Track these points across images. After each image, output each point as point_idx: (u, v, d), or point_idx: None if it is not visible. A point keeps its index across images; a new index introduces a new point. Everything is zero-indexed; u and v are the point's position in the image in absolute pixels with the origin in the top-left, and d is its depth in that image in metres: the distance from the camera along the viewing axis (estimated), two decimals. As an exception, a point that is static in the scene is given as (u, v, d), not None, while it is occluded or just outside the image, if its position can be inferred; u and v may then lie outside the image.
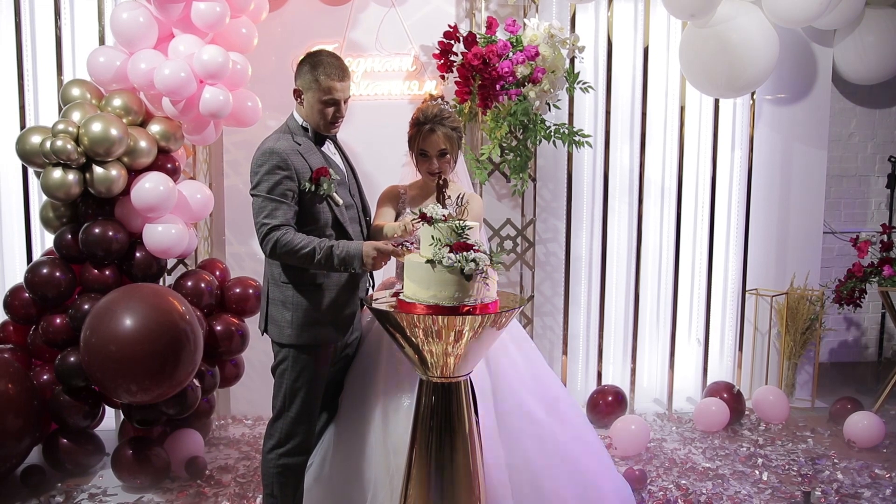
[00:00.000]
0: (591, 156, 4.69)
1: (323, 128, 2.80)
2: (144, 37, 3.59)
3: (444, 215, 2.35)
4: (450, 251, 2.28)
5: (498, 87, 4.11)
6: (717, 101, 4.70)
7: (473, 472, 2.56)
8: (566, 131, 4.30)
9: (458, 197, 2.47)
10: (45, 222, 3.78)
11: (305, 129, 2.83)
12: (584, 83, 4.33)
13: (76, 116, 3.52)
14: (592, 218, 4.76)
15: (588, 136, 4.30)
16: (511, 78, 4.11)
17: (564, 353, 4.71)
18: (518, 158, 4.31)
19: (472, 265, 2.25)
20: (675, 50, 4.66)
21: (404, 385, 2.90)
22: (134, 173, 3.65)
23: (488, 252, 2.33)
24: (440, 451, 2.51)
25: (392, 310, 2.42)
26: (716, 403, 4.45)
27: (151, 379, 3.22)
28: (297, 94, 2.79)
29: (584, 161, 4.71)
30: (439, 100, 3.06)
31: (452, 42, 4.16)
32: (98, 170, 3.50)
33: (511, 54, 4.11)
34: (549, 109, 4.33)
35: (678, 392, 4.84)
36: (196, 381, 3.60)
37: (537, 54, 4.06)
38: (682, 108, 4.66)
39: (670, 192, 4.79)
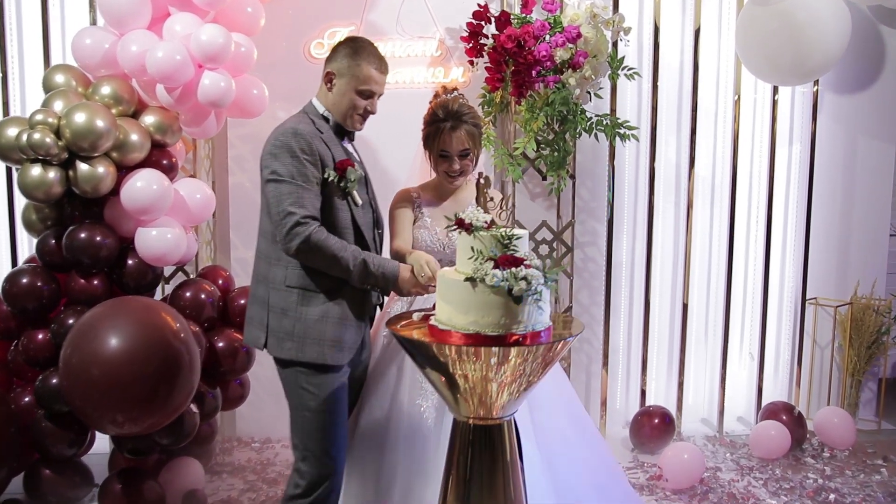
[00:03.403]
0: (635, 151, 4.23)
1: (349, 121, 2.53)
2: (136, 15, 3.16)
3: (485, 221, 1.91)
4: (494, 266, 1.83)
5: (534, 73, 3.66)
6: (774, 91, 4.23)
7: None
8: (609, 123, 3.84)
9: (502, 200, 2.04)
10: (28, 225, 3.37)
11: (326, 120, 2.53)
12: (630, 69, 3.87)
13: (58, 106, 3.11)
14: (635, 219, 4.31)
15: (635, 128, 3.84)
16: (549, 63, 3.65)
17: (605, 366, 4.26)
18: (555, 153, 3.86)
19: (523, 284, 1.80)
20: (729, 32, 4.20)
21: (429, 407, 2.56)
22: (125, 170, 3.23)
23: (541, 267, 1.87)
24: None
25: (423, 339, 1.97)
26: (775, 427, 3.98)
27: (141, 408, 2.80)
28: (329, 77, 2.50)
29: (627, 157, 4.25)
30: (455, 92, 2.76)
31: (483, 23, 3.72)
32: (82, 166, 3.08)
33: (549, 36, 3.65)
34: (590, 99, 3.88)
35: (728, 411, 4.38)
36: (194, 407, 3.18)
37: (579, 36, 3.61)
38: (738, 98, 4.19)
39: (722, 191, 4.32)
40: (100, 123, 3.01)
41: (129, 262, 3.30)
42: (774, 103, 4.25)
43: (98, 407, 2.78)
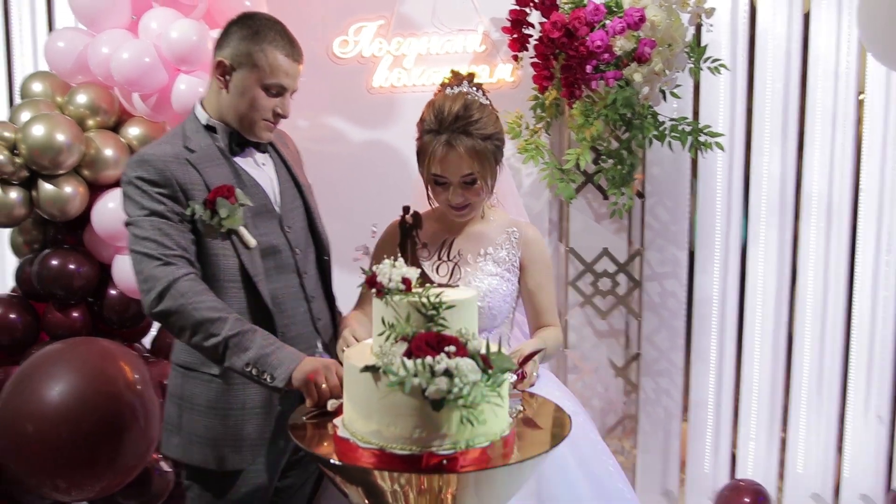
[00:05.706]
0: (726, 163, 3.46)
1: (254, 129, 1.90)
2: (111, 12, 2.76)
3: (403, 278, 1.30)
4: (406, 352, 1.22)
5: (589, 67, 2.98)
6: (912, 84, 3.35)
7: None
8: (687, 128, 3.11)
9: (443, 244, 1.42)
10: (14, 248, 3.08)
11: (212, 130, 1.91)
12: (716, 60, 3.12)
13: (25, 117, 2.76)
14: (727, 246, 3.53)
15: (720, 134, 3.09)
16: (607, 55, 2.97)
17: (685, 419, 3.52)
18: (619, 166, 3.16)
19: (443, 383, 1.18)
20: (849, 12, 3.35)
21: None
22: (102, 189, 2.85)
23: (484, 355, 1.23)
24: None
25: (319, 454, 1.37)
26: (907, 517, 3.10)
27: (84, 471, 2.38)
28: (222, 70, 1.87)
29: (717, 169, 3.48)
30: (465, 84, 2.00)
31: (527, 9, 3.09)
32: (46, 186, 2.72)
33: (606, 21, 2.97)
34: (664, 99, 3.15)
35: (847, 486, 3.53)
36: (164, 463, 2.75)
37: (642, 20, 2.90)
38: (861, 95, 3.34)
39: (840, 212, 3.47)
40: (60, 137, 2.64)
41: (111, 292, 2.94)
42: (910, 100, 3.37)
43: (34, 471, 2.38)
